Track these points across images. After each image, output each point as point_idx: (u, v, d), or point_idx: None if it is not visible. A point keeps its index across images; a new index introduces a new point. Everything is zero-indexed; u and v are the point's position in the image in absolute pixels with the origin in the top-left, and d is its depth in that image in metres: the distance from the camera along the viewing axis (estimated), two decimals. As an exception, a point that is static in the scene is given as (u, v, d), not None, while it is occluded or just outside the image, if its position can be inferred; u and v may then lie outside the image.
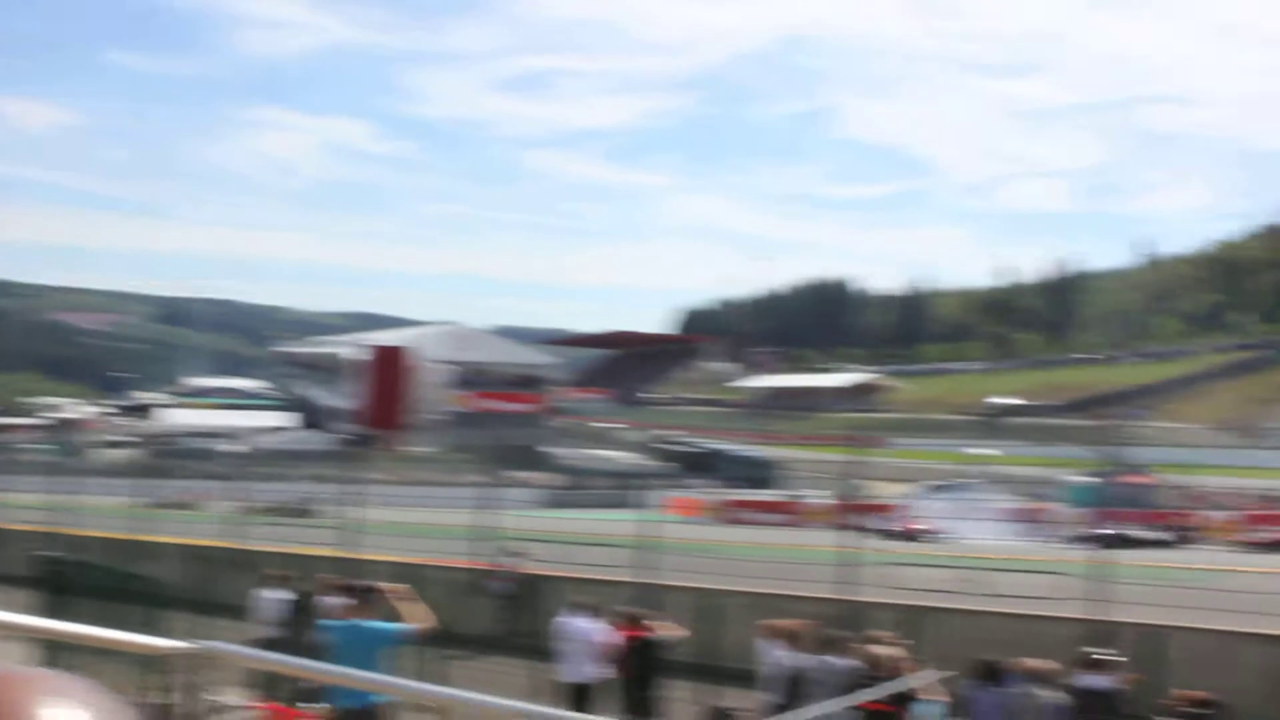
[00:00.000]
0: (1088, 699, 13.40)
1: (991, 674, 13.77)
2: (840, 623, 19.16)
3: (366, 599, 11.24)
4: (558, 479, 74.96)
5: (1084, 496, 49.08)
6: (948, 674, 13.40)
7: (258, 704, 6.00)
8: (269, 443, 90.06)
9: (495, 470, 28.65)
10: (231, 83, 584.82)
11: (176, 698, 5.26)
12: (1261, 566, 31.03)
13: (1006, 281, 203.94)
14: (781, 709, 14.33)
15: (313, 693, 17.04)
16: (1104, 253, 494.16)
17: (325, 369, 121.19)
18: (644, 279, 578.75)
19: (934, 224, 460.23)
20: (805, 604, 20.76)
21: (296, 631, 19.29)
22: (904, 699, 12.76)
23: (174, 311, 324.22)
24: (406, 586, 11.77)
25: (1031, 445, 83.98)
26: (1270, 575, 27.57)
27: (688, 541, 29.98)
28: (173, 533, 31.86)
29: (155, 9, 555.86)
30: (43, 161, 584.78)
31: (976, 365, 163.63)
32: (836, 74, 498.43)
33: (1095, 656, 14.10)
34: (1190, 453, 64.95)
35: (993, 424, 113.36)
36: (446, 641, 17.42)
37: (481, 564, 25.82)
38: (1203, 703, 12.98)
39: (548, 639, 18.52)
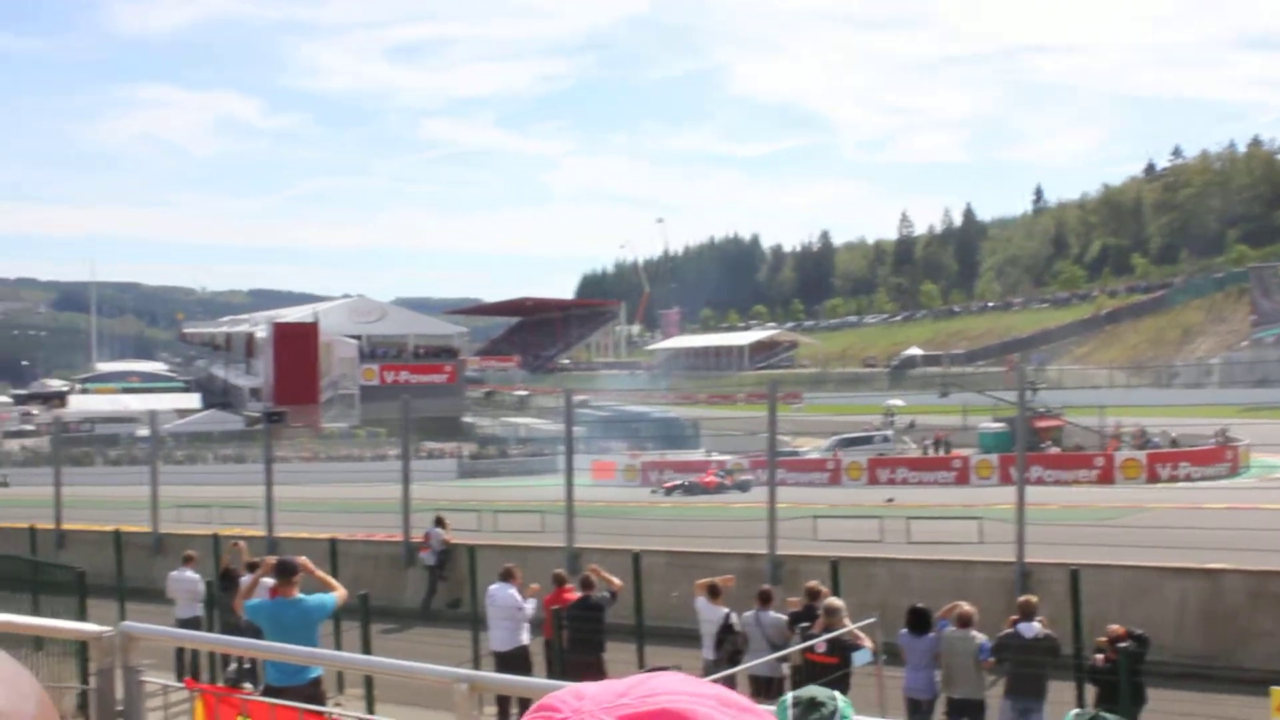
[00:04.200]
0: (1016, 642, 13.50)
1: (922, 621, 13.87)
2: (769, 577, 19.27)
3: (287, 575, 11.06)
4: (475, 448, 74.79)
5: (995, 443, 49.65)
6: (873, 621, 13.45)
7: (189, 684, 5.88)
8: (179, 425, 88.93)
9: (411, 442, 28.36)
10: (108, 61, 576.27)
11: (105, 682, 5.11)
12: (1173, 502, 31.50)
13: (907, 233, 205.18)
14: (718, 665, 14.35)
15: (247, 674, 16.88)
16: (1000, 202, 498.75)
17: (231, 348, 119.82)
18: (545, 245, 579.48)
19: (833, 179, 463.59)
20: (731, 560, 20.84)
21: (217, 612, 19.08)
22: (842, 648, 12.80)
23: (74, 296, 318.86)
24: (304, 559, 11.58)
25: (940, 395, 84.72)
26: (1183, 510, 28.02)
27: (609, 504, 29.99)
28: (87, 520, 31.41)
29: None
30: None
31: (882, 317, 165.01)
32: (723, 33, 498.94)
33: (1021, 601, 14.22)
34: (1098, 394, 65.64)
35: (901, 375, 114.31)
36: (375, 615, 17.29)
37: (405, 536, 25.66)
38: (1128, 637, 13.13)
39: (477, 608, 18.43)
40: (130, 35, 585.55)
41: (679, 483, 47.93)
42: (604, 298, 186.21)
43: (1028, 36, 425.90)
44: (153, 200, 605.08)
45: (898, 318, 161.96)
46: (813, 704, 2.93)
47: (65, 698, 7.98)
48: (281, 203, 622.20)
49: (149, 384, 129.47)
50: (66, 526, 30.91)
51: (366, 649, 15.81)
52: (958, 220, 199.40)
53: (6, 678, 0.85)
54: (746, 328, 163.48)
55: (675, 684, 0.92)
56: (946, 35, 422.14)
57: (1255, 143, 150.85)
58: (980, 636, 13.55)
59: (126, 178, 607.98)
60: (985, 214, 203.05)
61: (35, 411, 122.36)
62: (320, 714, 5.56)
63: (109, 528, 27.68)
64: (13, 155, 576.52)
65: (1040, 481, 39.31)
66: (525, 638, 16.21)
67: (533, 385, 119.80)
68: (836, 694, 3.35)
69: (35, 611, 16.64)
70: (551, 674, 15.44)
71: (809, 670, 12.44)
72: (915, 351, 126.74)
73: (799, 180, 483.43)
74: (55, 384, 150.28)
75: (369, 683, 15.08)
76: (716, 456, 55.67)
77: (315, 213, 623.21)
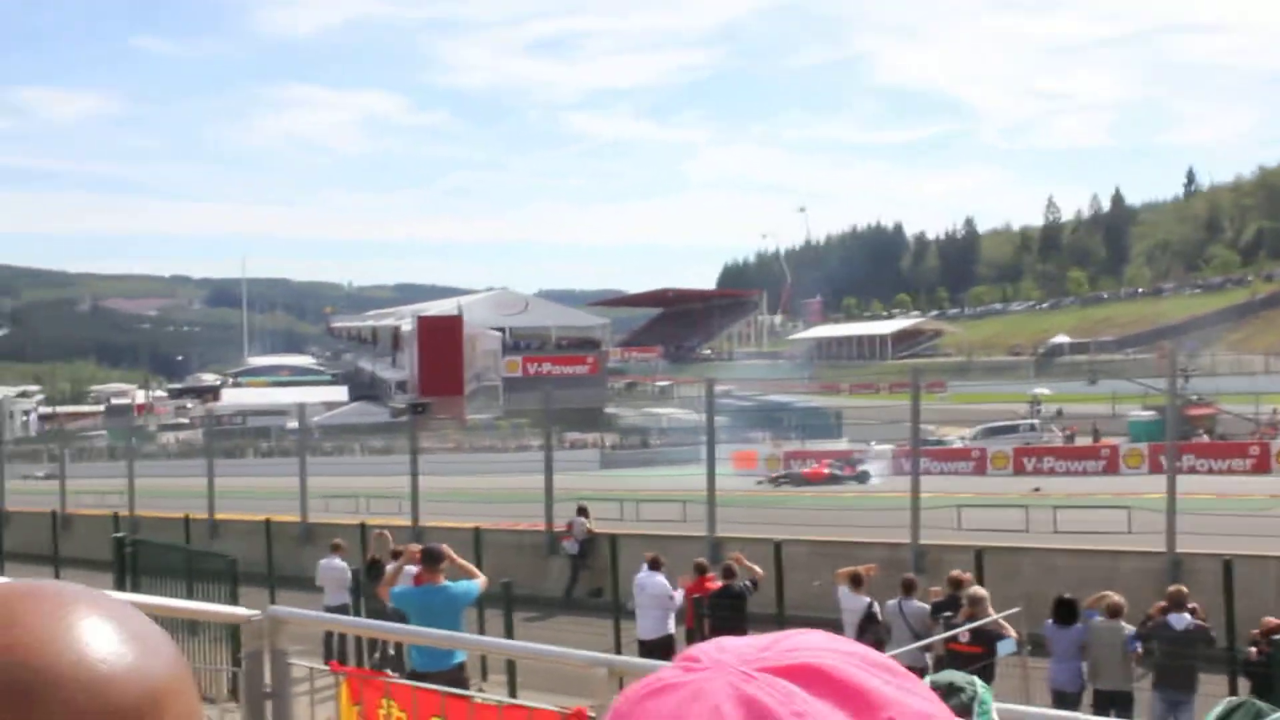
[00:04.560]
0: (1166, 633, 13.24)
1: (1068, 611, 13.64)
2: (912, 566, 19.10)
3: (434, 562, 11.20)
4: (617, 439, 75.05)
5: (1145, 431, 48.64)
6: (1018, 611, 13.26)
7: (334, 668, 5.99)
8: (327, 417, 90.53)
9: (554, 433, 28.58)
10: (257, 63, 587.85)
11: (254, 664, 5.23)
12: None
13: (1053, 219, 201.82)
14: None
15: (392, 659, 17.13)
16: (1150, 186, 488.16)
17: (378, 341, 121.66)
18: (686, 236, 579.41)
19: (977, 165, 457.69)
20: (874, 549, 20.67)
21: (364, 599, 19.42)
22: (987, 638, 12.64)
23: (225, 292, 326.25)
24: (444, 546, 11.71)
25: (1088, 383, 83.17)
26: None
27: (752, 494, 29.95)
28: (239, 510, 32.12)
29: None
30: (75, 151, 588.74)
31: (1028, 305, 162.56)
32: (863, 20, 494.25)
33: (1171, 591, 13.93)
34: (1253, 381, 64.00)
35: (1048, 363, 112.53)
36: (517, 603, 17.44)
37: (547, 525, 25.86)
38: (1282, 630, 12.80)
39: (619, 597, 18.53)
40: (278, 37, 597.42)
41: (783, 474, 47.87)
42: (745, 288, 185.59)
43: (1175, 17, 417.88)
44: (301, 198, 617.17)
45: (1044, 305, 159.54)
46: (951, 688, 2.88)
47: (217, 679, 8.16)
48: (425, 198, 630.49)
49: (298, 377, 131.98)
50: (219, 516, 31.62)
51: (509, 636, 15.95)
52: (1106, 205, 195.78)
53: (139, 633, 0.86)
54: (889, 316, 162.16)
55: (820, 641, 0.90)
56: (1092, 17, 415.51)
57: None
58: (1128, 627, 13.30)
59: (276, 176, 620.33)
60: (1134, 199, 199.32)
61: (189, 405, 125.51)
62: (463, 698, 5.62)
63: (260, 517, 28.26)
64: (166, 156, 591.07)
65: (1192, 470, 38.42)
66: (672, 626, 16.26)
67: (674, 376, 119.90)
68: (975, 679, 3.29)
69: (189, 598, 17.03)
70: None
71: (952, 660, 12.29)
72: (1062, 339, 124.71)
73: (941, 167, 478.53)
74: (208, 378, 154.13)
75: (511, 668, 15.21)
76: (859, 446, 55.27)
77: (458, 207, 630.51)
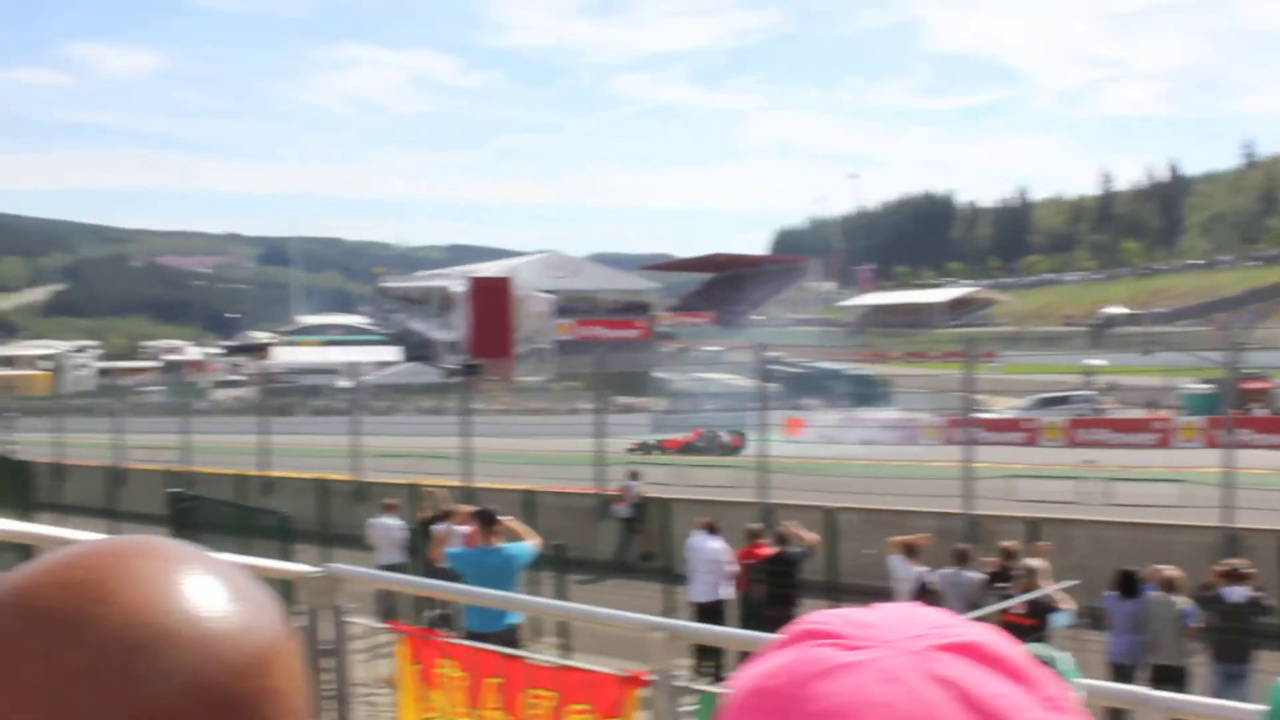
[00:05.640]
0: (1224, 609, 13.13)
1: (1130, 584, 13.53)
2: (964, 536, 19.02)
3: (490, 523, 11.21)
4: (667, 403, 75.02)
5: (1200, 404, 48.20)
6: (1074, 583, 13.17)
7: (394, 626, 6.01)
8: (378, 377, 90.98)
9: (605, 396, 28.63)
10: (313, 21, 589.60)
11: (313, 621, 5.25)
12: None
13: (1108, 189, 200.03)
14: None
15: (445, 619, 17.21)
16: (1207, 155, 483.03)
17: (429, 302, 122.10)
18: (737, 201, 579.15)
19: (1030, 133, 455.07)
20: (927, 519, 20.60)
21: (416, 558, 19.52)
22: (1042, 610, 12.54)
23: (278, 251, 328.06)
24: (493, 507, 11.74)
25: (1142, 355, 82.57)
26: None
27: (803, 460, 29.88)
28: (291, 467, 32.35)
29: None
30: (127, 107, 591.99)
31: (1081, 275, 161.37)
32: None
33: (1230, 565, 13.80)
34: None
35: (1101, 334, 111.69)
36: (569, 566, 17.49)
37: (599, 489, 25.92)
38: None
39: (671, 561, 18.55)
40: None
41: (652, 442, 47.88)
42: (797, 253, 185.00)
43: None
44: (353, 157, 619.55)
45: (1098, 275, 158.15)
46: (1042, 658, 2.83)
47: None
48: (477, 159, 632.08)
49: (350, 337, 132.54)
50: (272, 474, 31.88)
51: (562, 598, 15.99)
52: (1162, 175, 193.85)
53: (246, 592, 0.86)
54: (941, 285, 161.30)
55: (944, 617, 0.89)
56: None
57: None
58: (1185, 601, 13.20)
59: (329, 135, 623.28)
60: (1191, 169, 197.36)
61: (242, 363, 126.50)
62: (520, 659, 5.62)
63: (313, 475, 28.47)
64: (220, 113, 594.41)
65: (1247, 445, 38.03)
66: (727, 591, 16.27)
67: (725, 341, 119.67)
68: (1059, 652, 3.24)
69: (244, 553, 17.18)
70: (744, 626, 15.43)
71: (1005, 630, 12.21)
72: (1116, 310, 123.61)
73: (995, 135, 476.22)
74: (261, 336, 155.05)
75: (564, 630, 15.26)
76: (909, 414, 55.08)
77: (510, 169, 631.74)
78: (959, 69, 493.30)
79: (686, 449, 45.04)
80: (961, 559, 14.84)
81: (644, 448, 46.16)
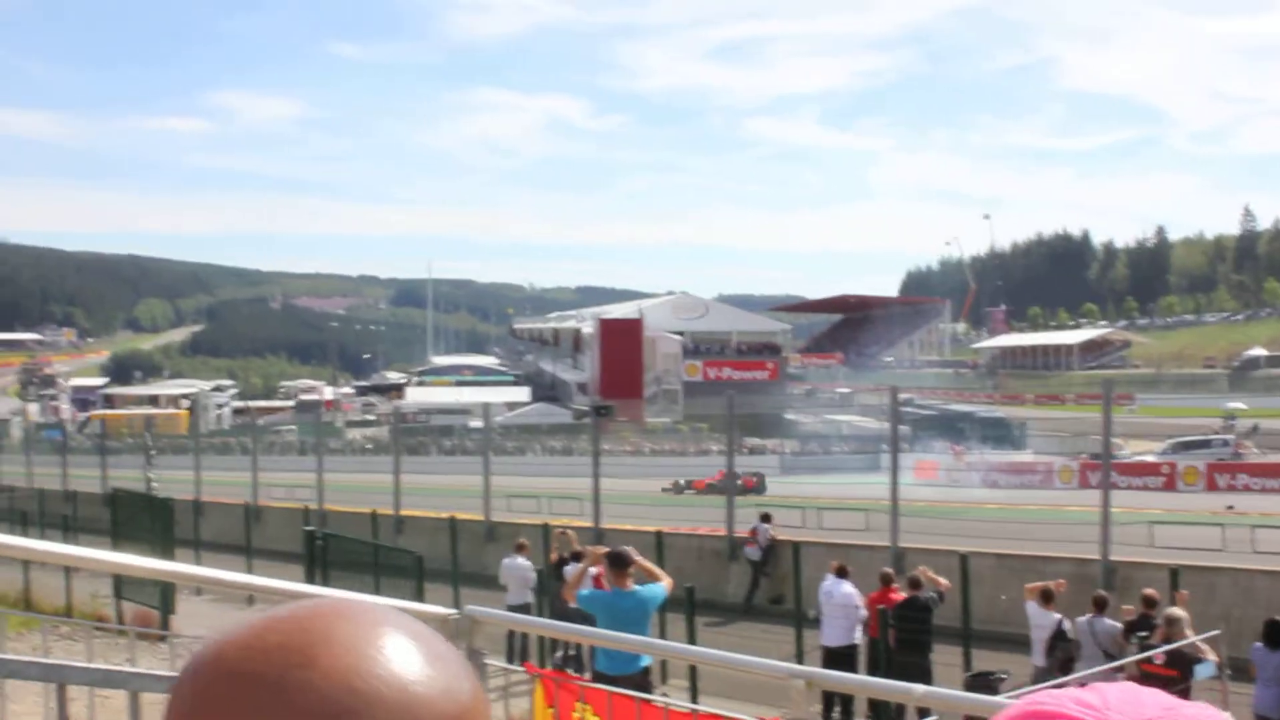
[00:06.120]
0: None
1: (1277, 634, 13.11)
2: (1102, 583, 18.62)
3: (622, 566, 11.17)
4: (797, 445, 74.67)
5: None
6: (1217, 633, 12.81)
7: (529, 669, 6.02)
8: (509, 417, 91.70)
9: (734, 438, 28.56)
10: (446, 67, 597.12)
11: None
12: None
13: (1249, 228, 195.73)
14: (1049, 672, 13.93)
15: (573, 660, 17.24)
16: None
17: (559, 343, 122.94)
18: (867, 242, 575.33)
19: (1167, 171, 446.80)
20: (1062, 564, 20.21)
21: (547, 599, 19.60)
22: (1184, 661, 12.20)
23: (410, 292, 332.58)
24: (629, 548, 11.69)
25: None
26: None
27: (934, 504, 29.56)
28: (423, 507, 32.65)
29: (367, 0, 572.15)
30: (266, 152, 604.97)
31: (1221, 316, 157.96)
32: (1052, 24, 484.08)
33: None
34: None
35: (1243, 377, 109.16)
36: (698, 608, 17.41)
37: (729, 531, 25.81)
38: None
39: (800, 604, 18.39)
40: (467, 42, 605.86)
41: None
42: (928, 295, 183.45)
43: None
44: (485, 199, 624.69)
45: (1239, 316, 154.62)
46: None
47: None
48: (607, 201, 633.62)
49: (481, 377, 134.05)
50: (404, 513, 32.21)
51: (691, 641, 15.92)
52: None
53: (442, 654, 0.87)
54: (1076, 326, 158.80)
55: (1167, 698, 0.88)
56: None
57: None
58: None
59: (461, 178, 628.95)
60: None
61: (375, 402, 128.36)
62: (655, 704, 5.59)
63: (444, 515, 28.69)
64: (355, 157, 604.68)
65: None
66: (859, 635, 16.10)
67: (855, 383, 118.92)
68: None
69: (376, 592, 17.33)
70: (875, 672, 15.25)
71: (1146, 682, 11.91)
72: (1259, 352, 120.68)
73: (1131, 174, 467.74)
74: (394, 376, 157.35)
75: (693, 674, 15.19)
76: (1043, 457, 54.28)
77: (639, 210, 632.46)
78: (1093, 108, 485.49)
79: (710, 489, 45.04)
80: (1100, 606, 14.50)
81: (676, 487, 46.88)
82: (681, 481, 48.75)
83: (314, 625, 0.84)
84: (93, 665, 5.02)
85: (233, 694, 0.81)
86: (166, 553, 20.60)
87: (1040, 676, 13.91)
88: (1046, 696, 0.89)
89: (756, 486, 44.80)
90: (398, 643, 0.85)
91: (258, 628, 0.85)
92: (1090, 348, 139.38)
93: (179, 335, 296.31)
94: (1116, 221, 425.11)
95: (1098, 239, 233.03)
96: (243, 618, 0.87)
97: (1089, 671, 13.32)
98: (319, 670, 0.81)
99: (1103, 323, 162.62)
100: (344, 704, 0.80)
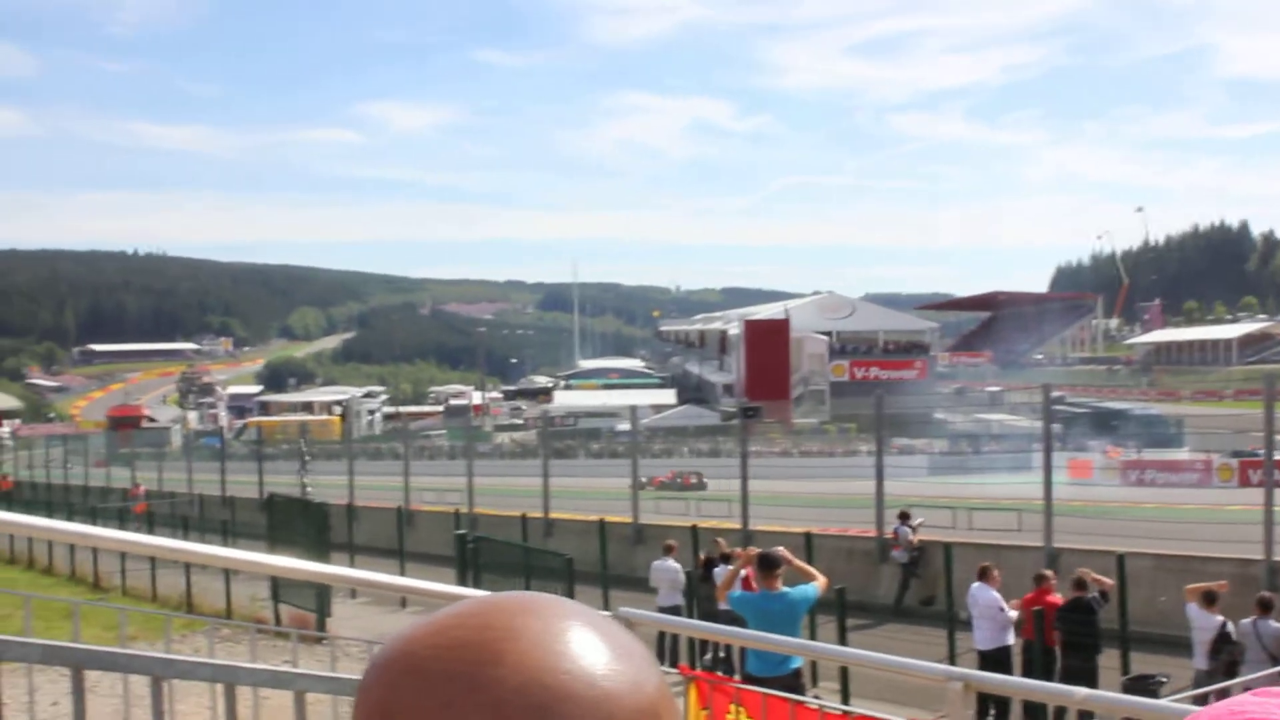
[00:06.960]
0: None
1: None
2: (1266, 584, 18.14)
3: (771, 568, 11.13)
4: (947, 444, 73.84)
5: None
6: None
7: (683, 671, 6.03)
8: (655, 420, 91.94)
9: (883, 438, 28.31)
10: (592, 71, 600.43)
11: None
12: None
13: None
14: (1212, 675, 13.60)
15: (722, 662, 17.23)
16: None
17: (705, 345, 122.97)
18: (1016, 237, 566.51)
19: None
20: (1224, 565, 19.72)
21: (696, 601, 19.63)
22: (1355, 664, 11.86)
23: (557, 297, 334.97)
24: (782, 549, 11.63)
25: None
26: None
27: (1089, 504, 29.02)
28: (572, 509, 32.86)
29: (512, 7, 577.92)
30: (415, 161, 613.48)
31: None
32: (1207, 10, 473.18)
33: None
34: None
35: None
36: (848, 610, 17.30)
37: (878, 532, 25.61)
38: None
39: (952, 606, 18.17)
40: (612, 47, 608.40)
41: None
42: (1079, 290, 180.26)
43: None
44: (631, 203, 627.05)
45: None
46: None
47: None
48: (751, 202, 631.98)
49: (627, 380, 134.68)
50: (554, 515, 32.44)
51: (842, 643, 15.82)
52: None
53: (629, 648, 0.87)
54: (1235, 320, 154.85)
55: None
56: None
57: None
58: None
59: (606, 181, 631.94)
60: None
61: (523, 406, 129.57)
62: (809, 706, 5.56)
63: (593, 517, 28.83)
64: (501, 164, 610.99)
65: None
66: (1010, 638, 15.86)
67: (1005, 381, 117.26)
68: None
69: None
70: (1031, 675, 15.02)
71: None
72: None
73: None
74: (541, 380, 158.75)
75: (844, 675, 15.09)
76: (1202, 454, 52.96)
77: (784, 210, 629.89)
78: (1249, 95, 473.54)
79: (662, 486, 47.15)
80: (1265, 608, 14.11)
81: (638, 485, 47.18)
82: (644, 479, 49.12)
83: (499, 621, 0.84)
84: (259, 666, 5.12)
85: (424, 692, 0.81)
86: (321, 556, 20.99)
87: (1203, 680, 13.59)
88: (1251, 702, 0.86)
89: (694, 485, 48.45)
90: (584, 637, 0.85)
91: (442, 625, 0.85)
92: (1249, 342, 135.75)
93: (331, 343, 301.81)
94: (1277, 211, 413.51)
95: (1257, 230, 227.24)
96: (424, 616, 0.87)
97: (1255, 675, 12.97)
98: (508, 666, 0.81)
99: (1262, 316, 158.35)
100: (536, 700, 0.80)
